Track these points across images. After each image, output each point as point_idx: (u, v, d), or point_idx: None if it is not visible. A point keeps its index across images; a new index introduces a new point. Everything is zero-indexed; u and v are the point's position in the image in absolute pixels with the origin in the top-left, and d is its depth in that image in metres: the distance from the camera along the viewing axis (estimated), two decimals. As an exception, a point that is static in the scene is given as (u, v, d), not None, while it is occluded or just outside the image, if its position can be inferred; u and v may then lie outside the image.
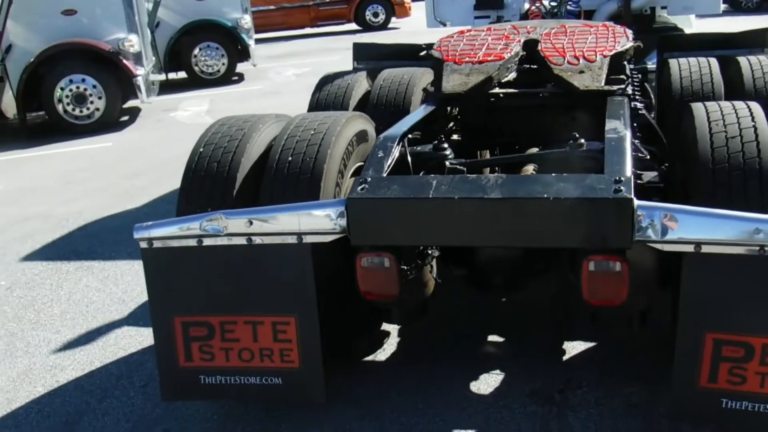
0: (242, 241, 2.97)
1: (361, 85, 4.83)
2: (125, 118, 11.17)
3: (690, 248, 2.59)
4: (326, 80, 4.91)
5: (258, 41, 17.84)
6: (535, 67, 3.93)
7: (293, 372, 3.04)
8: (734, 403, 2.68)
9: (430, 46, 4.19)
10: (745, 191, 2.85)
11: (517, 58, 3.93)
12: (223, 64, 13.45)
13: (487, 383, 3.46)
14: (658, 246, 2.62)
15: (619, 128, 3.00)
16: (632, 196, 2.59)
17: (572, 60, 3.70)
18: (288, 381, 3.05)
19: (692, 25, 7.91)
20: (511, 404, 3.28)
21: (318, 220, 2.87)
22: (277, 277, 2.98)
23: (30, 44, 9.98)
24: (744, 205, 2.81)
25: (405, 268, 2.90)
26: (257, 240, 2.96)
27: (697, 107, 3.25)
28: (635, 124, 3.84)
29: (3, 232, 6.40)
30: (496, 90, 3.79)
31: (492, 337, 3.88)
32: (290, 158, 3.28)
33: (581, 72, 3.63)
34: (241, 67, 14.35)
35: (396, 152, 3.19)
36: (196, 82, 13.46)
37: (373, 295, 2.94)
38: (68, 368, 3.95)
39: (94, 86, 10.16)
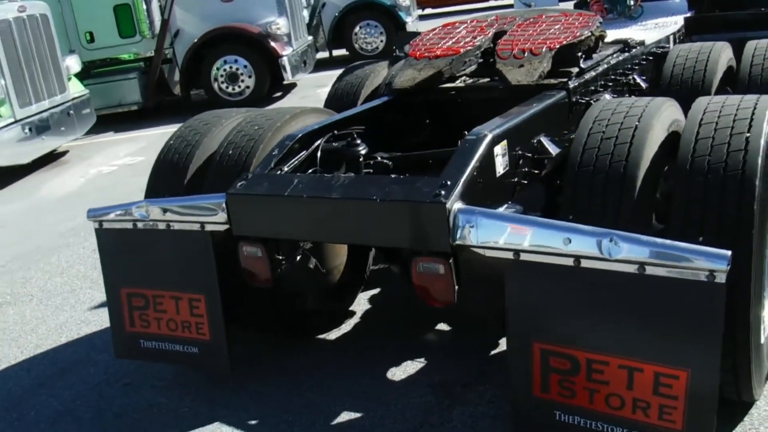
0: (163, 226, 3.39)
1: (378, 75, 5.04)
2: (278, 94, 12.04)
3: (509, 255, 2.57)
4: (348, 71, 5.17)
5: (430, 16, 18.21)
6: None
7: (205, 343, 3.42)
8: (567, 417, 2.63)
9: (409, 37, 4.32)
10: (603, 196, 2.76)
11: (478, 51, 3.95)
12: (381, 41, 13.96)
13: (404, 370, 3.62)
14: (480, 251, 2.62)
15: (484, 129, 2.96)
16: (448, 200, 2.61)
17: (518, 53, 3.68)
18: (202, 350, 3.45)
19: None
20: (411, 393, 3.43)
21: (209, 211, 3.22)
22: (189, 259, 3.37)
23: (194, 29, 11.10)
24: (600, 211, 2.75)
25: (280, 258, 3.17)
26: (174, 226, 3.37)
27: (597, 104, 3.17)
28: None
29: (121, 200, 7.29)
30: (448, 85, 3.87)
31: (441, 326, 4.01)
32: (230, 152, 3.64)
33: (521, 66, 3.61)
34: (404, 44, 14.74)
35: (313, 147, 3.42)
36: (357, 58, 14.01)
37: (251, 280, 3.23)
38: (92, 323, 4.62)
39: (245, 66, 11.10)
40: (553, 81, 3.61)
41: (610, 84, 4.03)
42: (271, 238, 3.13)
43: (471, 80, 4.12)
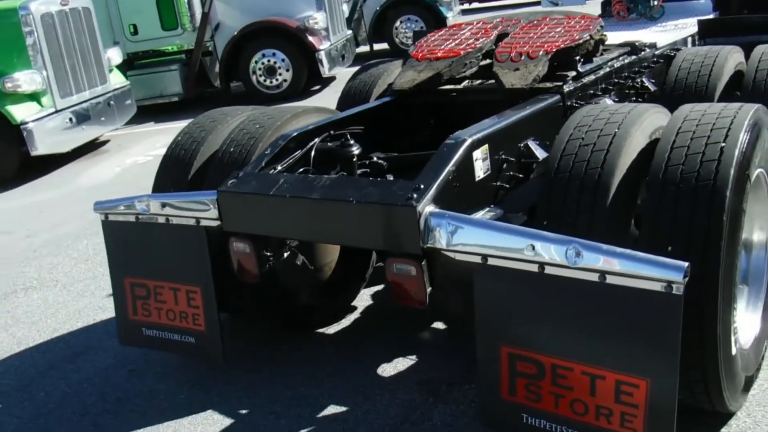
0: (163, 220, 3.53)
1: (391, 74, 5.08)
2: (316, 87, 12.18)
3: (477, 259, 2.62)
4: (362, 69, 5.25)
5: (476, 11, 18.16)
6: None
7: (201, 334, 3.55)
8: (534, 420, 2.66)
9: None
10: (577, 203, 2.77)
11: (480, 54, 4.00)
12: (422, 35, 13.98)
13: (395, 367, 3.70)
14: (450, 254, 2.67)
15: (464, 133, 3.00)
16: (419, 203, 2.67)
17: (515, 57, 3.72)
18: (198, 341, 3.58)
19: None
20: (398, 390, 3.51)
21: (203, 207, 3.34)
22: (186, 252, 3.50)
23: (234, 22, 11.31)
24: (573, 218, 2.77)
25: (268, 254, 3.27)
26: (173, 220, 3.50)
27: (581, 109, 3.17)
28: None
29: (150, 190, 7.53)
30: (448, 86, 3.93)
31: (437, 324, 4.08)
32: (232, 149, 3.76)
33: (516, 69, 3.65)
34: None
35: (308, 147, 3.52)
36: (398, 52, 14.11)
37: (240, 276, 3.35)
38: (108, 310, 4.80)
39: (283, 60, 11.25)
40: (548, 85, 3.63)
41: (612, 87, 4.02)
42: (259, 235, 3.24)
43: (478, 82, 4.17)
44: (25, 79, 8.12)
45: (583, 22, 3.98)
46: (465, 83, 4.10)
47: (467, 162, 2.96)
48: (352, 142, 3.50)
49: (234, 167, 3.62)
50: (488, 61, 4.05)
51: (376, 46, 14.68)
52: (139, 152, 9.52)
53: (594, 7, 7.90)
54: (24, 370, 4.18)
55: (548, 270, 2.49)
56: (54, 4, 8.64)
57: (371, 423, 3.30)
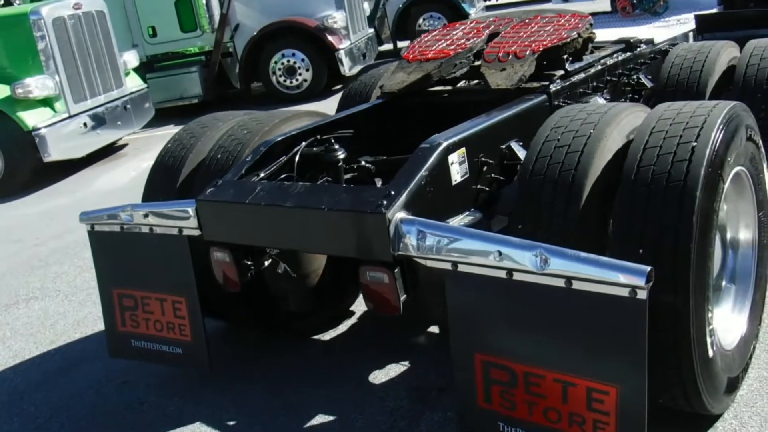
0: (146, 229, 3.43)
1: (393, 74, 4.96)
2: (338, 86, 12.06)
3: (448, 266, 2.54)
4: (365, 70, 5.12)
5: (502, 6, 17.93)
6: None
7: (188, 344, 3.46)
8: (510, 428, 2.60)
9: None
10: (551, 206, 2.70)
11: (470, 54, 3.88)
12: (444, 32, 13.81)
13: (386, 374, 3.59)
14: (421, 261, 2.60)
15: (440, 137, 2.90)
16: (389, 210, 2.58)
17: (503, 56, 3.59)
18: (185, 351, 3.49)
19: None
20: (388, 396, 3.41)
21: (184, 216, 3.24)
22: (170, 262, 3.41)
23: (253, 22, 11.24)
24: (548, 221, 2.70)
25: (248, 263, 3.16)
26: (157, 230, 3.40)
27: (559, 111, 3.07)
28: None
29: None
30: (438, 88, 3.81)
31: (433, 328, 3.95)
32: (219, 156, 3.66)
33: (503, 69, 3.53)
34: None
35: (293, 153, 3.40)
36: (420, 50, 13.98)
37: (222, 285, 3.24)
38: (107, 320, 4.74)
39: (303, 60, 11.16)
40: (534, 84, 3.53)
41: (604, 85, 3.90)
42: (238, 244, 3.13)
43: (475, 82, 4.04)
44: (36, 85, 8.09)
45: (572, 20, 3.87)
46: (461, 83, 3.98)
47: (442, 166, 2.86)
48: (337, 146, 3.38)
49: (221, 174, 3.51)
50: (479, 61, 3.92)
51: (400, 44, 14.52)
52: (155, 156, 9.47)
53: (603, 4, 7.72)
54: (17, 384, 4.11)
55: (516, 276, 2.43)
56: (66, 8, 8.62)
57: (359, 431, 3.20)
